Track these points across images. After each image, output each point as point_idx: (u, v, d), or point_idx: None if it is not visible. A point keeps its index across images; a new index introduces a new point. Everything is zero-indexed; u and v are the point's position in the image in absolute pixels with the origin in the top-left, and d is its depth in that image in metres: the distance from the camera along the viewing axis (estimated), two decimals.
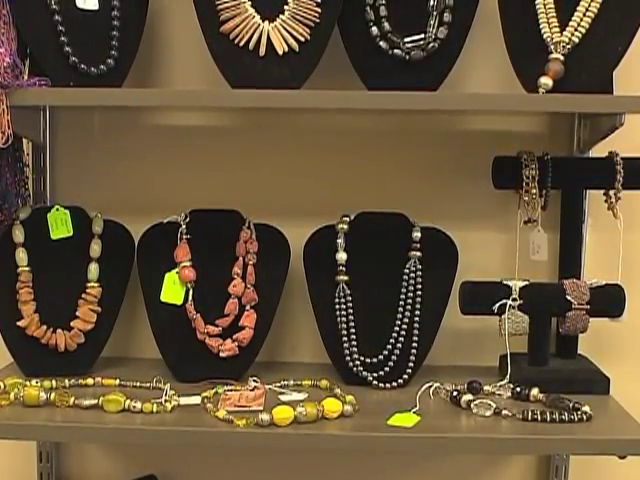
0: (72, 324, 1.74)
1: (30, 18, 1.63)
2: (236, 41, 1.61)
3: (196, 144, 1.87)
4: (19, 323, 1.73)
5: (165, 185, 1.88)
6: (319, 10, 1.62)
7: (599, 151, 1.79)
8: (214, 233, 1.76)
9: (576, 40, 1.60)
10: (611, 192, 1.75)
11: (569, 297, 1.69)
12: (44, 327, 1.74)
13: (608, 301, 1.71)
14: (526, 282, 1.71)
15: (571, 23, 1.60)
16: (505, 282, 1.71)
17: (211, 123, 1.87)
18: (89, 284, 1.76)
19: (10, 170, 1.77)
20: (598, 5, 1.60)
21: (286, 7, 1.62)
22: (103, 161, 1.89)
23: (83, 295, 1.75)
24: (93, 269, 1.76)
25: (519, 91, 1.63)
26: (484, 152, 1.79)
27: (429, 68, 1.65)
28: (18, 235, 1.75)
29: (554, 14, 1.62)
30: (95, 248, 1.77)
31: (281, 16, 1.62)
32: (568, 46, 1.60)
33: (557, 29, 1.61)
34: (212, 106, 1.74)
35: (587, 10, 1.60)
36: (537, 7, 1.63)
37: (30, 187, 1.85)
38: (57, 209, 1.77)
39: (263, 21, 1.62)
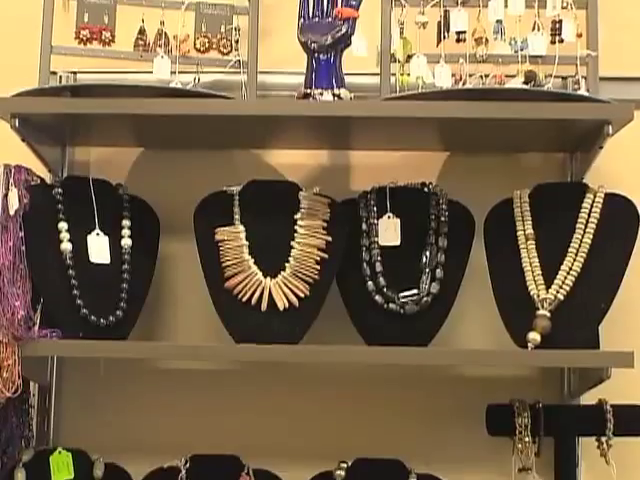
0: None
1: (45, 272, 1.72)
2: (239, 297, 1.70)
3: (197, 387, 1.92)
4: None
5: (167, 428, 1.92)
6: (318, 267, 1.72)
7: (590, 396, 1.84)
8: (213, 479, 1.78)
9: (561, 297, 1.69)
10: (602, 439, 1.79)
11: None
12: None
13: None
14: None
15: (556, 281, 1.69)
16: None
17: (212, 367, 1.93)
18: None
19: (16, 413, 1.81)
20: (581, 265, 1.70)
21: (287, 264, 1.72)
22: (107, 403, 1.93)
23: None
24: None
25: (509, 343, 1.71)
26: (477, 398, 1.83)
27: (423, 322, 1.73)
28: (20, 478, 1.77)
29: (539, 272, 1.71)
30: None
31: (282, 273, 1.72)
32: (554, 303, 1.69)
33: (543, 286, 1.70)
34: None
35: (570, 269, 1.70)
36: (523, 265, 1.73)
37: (34, 427, 1.89)
38: (59, 452, 1.79)
39: (265, 277, 1.71)
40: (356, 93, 1.81)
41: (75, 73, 1.96)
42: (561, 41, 1.81)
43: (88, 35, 1.83)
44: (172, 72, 1.85)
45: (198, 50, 1.86)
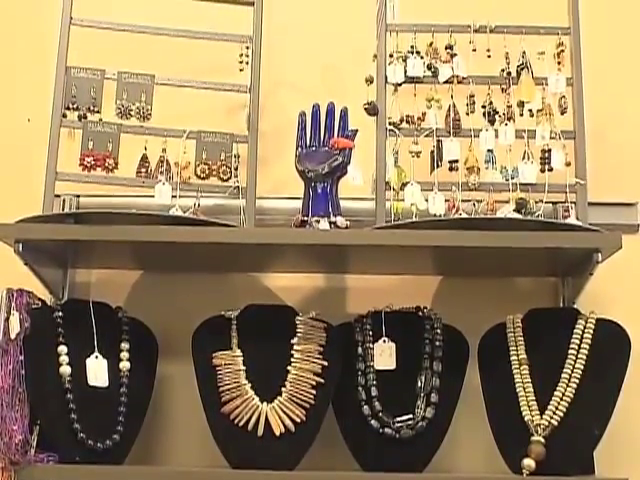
0: None
1: (44, 396, 1.74)
2: (236, 421, 1.72)
3: None
4: None
5: None
6: (314, 392, 1.74)
7: None
8: None
9: (555, 423, 1.70)
10: None
11: None
12: None
13: None
14: None
15: (549, 406, 1.71)
16: None
17: None
18: None
19: None
20: (574, 390, 1.72)
21: (283, 389, 1.74)
22: None
23: None
24: None
25: (505, 467, 1.72)
26: None
27: (418, 446, 1.74)
28: None
29: (533, 397, 1.73)
30: None
31: (279, 397, 1.73)
32: (548, 428, 1.70)
33: (537, 412, 1.72)
34: None
35: (564, 395, 1.72)
36: (517, 390, 1.75)
37: None
38: None
39: (262, 402, 1.73)
40: (352, 218, 1.86)
41: (78, 196, 2.01)
42: (550, 170, 1.87)
43: (92, 162, 1.89)
44: (173, 196, 1.90)
45: (198, 176, 1.91)
